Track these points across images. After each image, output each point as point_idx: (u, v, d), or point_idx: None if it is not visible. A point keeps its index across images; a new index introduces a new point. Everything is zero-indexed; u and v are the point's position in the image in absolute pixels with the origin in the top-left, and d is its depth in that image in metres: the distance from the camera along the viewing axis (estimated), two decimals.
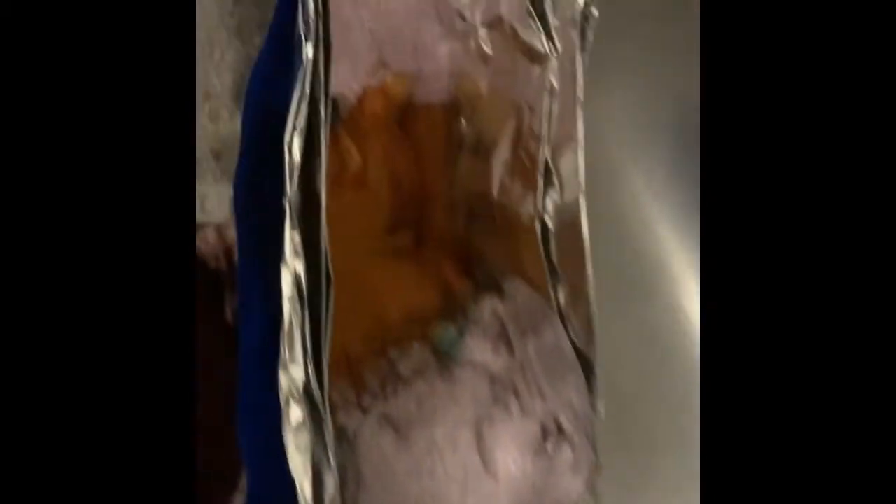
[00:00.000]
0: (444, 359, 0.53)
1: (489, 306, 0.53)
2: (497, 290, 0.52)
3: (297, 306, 0.40)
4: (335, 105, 0.51)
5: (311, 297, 0.40)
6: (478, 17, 0.48)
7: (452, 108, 0.53)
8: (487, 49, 0.48)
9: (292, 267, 0.39)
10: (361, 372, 0.52)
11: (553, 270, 0.41)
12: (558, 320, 0.43)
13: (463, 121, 0.52)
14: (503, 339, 0.53)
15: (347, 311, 0.51)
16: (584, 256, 0.40)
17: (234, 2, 0.48)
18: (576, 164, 0.40)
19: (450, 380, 0.53)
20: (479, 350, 0.52)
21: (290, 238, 0.39)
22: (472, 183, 0.50)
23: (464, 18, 0.49)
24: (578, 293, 0.41)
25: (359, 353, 0.51)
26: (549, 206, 0.41)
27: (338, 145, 0.50)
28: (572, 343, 0.41)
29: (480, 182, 0.48)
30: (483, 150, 0.49)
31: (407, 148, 0.53)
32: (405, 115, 0.54)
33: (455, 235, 0.53)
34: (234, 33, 0.49)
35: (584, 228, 0.40)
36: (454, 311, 0.53)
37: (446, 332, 0.52)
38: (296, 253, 0.39)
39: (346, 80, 0.50)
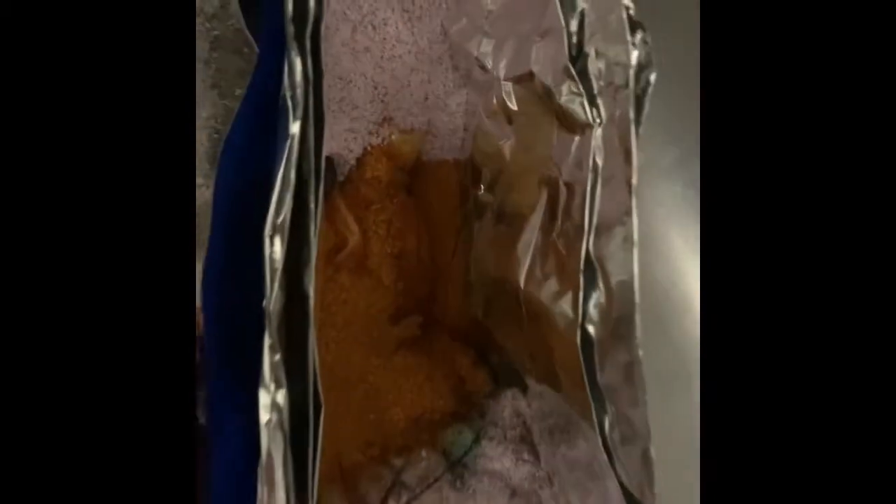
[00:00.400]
0: (457, 467, 0.45)
1: (510, 405, 0.45)
2: (519, 384, 0.44)
3: (278, 437, 0.32)
4: (330, 165, 0.44)
5: (296, 426, 0.32)
6: (502, 69, 0.40)
7: (469, 171, 0.45)
8: (512, 106, 0.40)
9: (272, 390, 0.31)
10: (357, 482, 0.44)
11: (596, 392, 0.33)
12: (596, 435, 0.35)
13: (482, 187, 0.44)
14: (526, 443, 0.45)
15: (342, 414, 0.43)
16: (638, 384, 0.32)
17: (210, 47, 0.41)
18: (628, 264, 0.32)
19: (463, 491, 0.45)
20: (498, 456, 0.44)
21: (270, 354, 0.31)
22: (492, 263, 0.42)
23: (484, 69, 0.42)
24: (631, 429, 0.32)
25: (355, 461, 0.43)
26: (593, 311, 0.33)
27: (334, 217, 0.42)
28: (621, 485, 0.33)
29: (502, 264, 0.40)
30: (506, 226, 0.41)
31: (415, 217, 0.45)
32: (413, 176, 0.46)
33: (470, 320, 0.45)
34: (209, 84, 0.41)
35: (638, 351, 0.32)
36: (468, 410, 0.45)
37: (459, 437, 0.45)
38: (276, 374, 0.31)
39: (345, 140, 0.42)
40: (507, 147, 0.42)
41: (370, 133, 0.43)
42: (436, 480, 0.44)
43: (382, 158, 0.43)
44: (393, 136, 0.43)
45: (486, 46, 0.41)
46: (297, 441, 0.32)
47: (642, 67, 0.33)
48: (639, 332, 0.32)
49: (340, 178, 0.43)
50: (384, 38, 0.41)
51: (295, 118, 0.29)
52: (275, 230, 0.31)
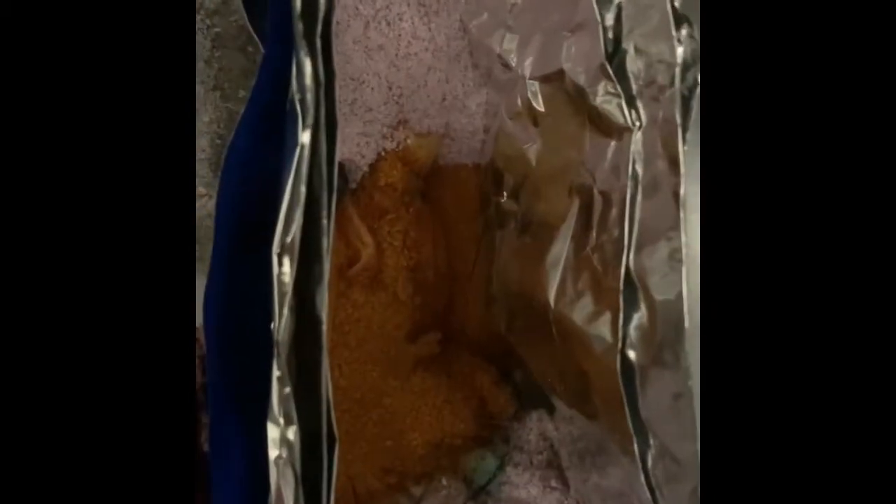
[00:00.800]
0: (480, 495, 0.42)
1: (536, 427, 0.42)
2: (546, 405, 0.41)
3: (288, 474, 0.29)
4: (341, 171, 0.40)
5: (307, 462, 0.29)
6: (528, 67, 0.37)
7: (489, 176, 0.42)
8: (539, 107, 0.37)
9: (281, 424, 0.28)
10: None
11: (638, 423, 0.30)
12: (638, 470, 0.31)
13: (504, 193, 0.40)
14: (554, 469, 0.42)
15: (356, 439, 0.40)
16: (687, 417, 0.29)
17: (211, 46, 0.38)
18: (675, 283, 0.29)
19: None
20: (524, 484, 0.41)
21: (279, 387, 0.28)
22: (517, 277, 0.39)
23: (507, 66, 0.38)
24: (678, 466, 0.29)
25: (371, 489, 0.40)
26: (634, 334, 0.30)
27: (346, 228, 0.39)
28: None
29: (528, 278, 0.37)
30: (532, 238, 0.38)
31: (433, 225, 0.42)
32: (429, 181, 0.43)
33: (491, 334, 0.42)
34: (211, 86, 0.38)
35: (688, 381, 0.29)
36: (491, 434, 0.42)
37: (482, 463, 0.42)
38: (285, 407, 0.28)
39: (357, 145, 0.39)
40: (532, 151, 0.38)
41: (384, 137, 0.40)
42: None
43: (397, 164, 0.40)
44: (408, 140, 0.40)
45: (510, 42, 0.38)
46: (309, 478, 0.29)
47: (688, 66, 0.30)
48: (688, 359, 0.29)
49: (352, 186, 0.40)
50: (399, 35, 0.38)
51: (305, 126, 0.26)
52: (283, 249, 0.28)
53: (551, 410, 0.41)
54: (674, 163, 0.29)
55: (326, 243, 0.29)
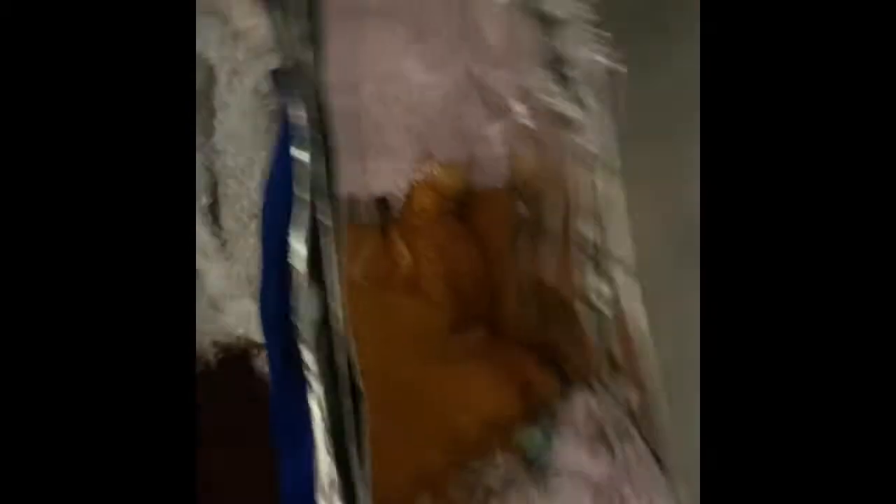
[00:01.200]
0: (535, 468, 0.46)
1: (583, 404, 0.46)
2: (588, 384, 0.46)
3: (324, 433, 0.36)
4: (385, 205, 0.49)
5: (337, 421, 0.36)
6: (511, 93, 0.44)
7: (511, 192, 0.49)
8: (529, 124, 0.44)
9: (318, 393, 0.36)
10: (444, 489, 0.47)
11: (615, 369, 0.35)
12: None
13: (521, 204, 0.47)
14: (602, 440, 0.46)
15: (415, 425, 0.46)
16: (647, 353, 0.33)
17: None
18: (625, 241, 0.34)
19: (546, 490, 0.46)
20: (574, 455, 0.45)
21: (307, 360, 0.36)
22: (534, 270, 0.45)
23: (504, 98, 0.46)
24: (648, 399, 0.34)
25: (438, 468, 0.46)
26: (604, 292, 0.35)
27: (388, 246, 0.47)
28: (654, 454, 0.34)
29: (552, 276, 0.43)
30: (541, 233, 0.44)
31: (467, 240, 0.50)
32: (464, 204, 0.50)
33: (531, 326, 0.48)
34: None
35: (642, 323, 0.33)
36: (537, 411, 0.47)
37: (531, 438, 0.47)
38: (319, 375, 0.36)
39: (391, 179, 0.47)
40: (535, 163, 0.45)
41: (413, 170, 0.47)
42: (517, 483, 0.46)
43: (428, 192, 0.48)
44: (435, 171, 0.48)
45: (501, 79, 0.46)
46: (340, 434, 0.36)
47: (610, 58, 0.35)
48: (639, 308, 0.34)
49: (395, 215, 0.48)
50: (410, 89, 0.46)
51: (299, 147, 0.35)
52: (294, 250, 0.36)
53: (593, 389, 0.46)
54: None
55: (335, 252, 0.37)
